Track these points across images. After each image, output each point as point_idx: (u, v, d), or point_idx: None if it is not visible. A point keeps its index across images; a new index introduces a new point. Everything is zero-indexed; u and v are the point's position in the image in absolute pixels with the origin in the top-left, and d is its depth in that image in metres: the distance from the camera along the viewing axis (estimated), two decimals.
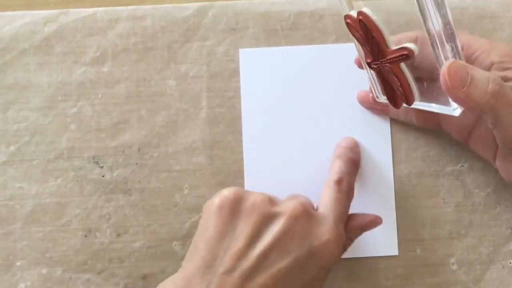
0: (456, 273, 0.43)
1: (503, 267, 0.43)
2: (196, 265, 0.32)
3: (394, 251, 0.42)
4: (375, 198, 0.42)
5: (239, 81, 0.44)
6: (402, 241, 0.43)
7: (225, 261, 0.32)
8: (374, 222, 0.40)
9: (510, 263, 0.43)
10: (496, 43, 0.37)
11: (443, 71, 0.32)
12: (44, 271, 0.42)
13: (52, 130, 0.43)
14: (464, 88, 0.32)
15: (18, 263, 0.42)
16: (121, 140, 0.43)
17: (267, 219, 0.33)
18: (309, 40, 0.44)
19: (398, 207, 0.43)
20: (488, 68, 0.35)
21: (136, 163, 0.43)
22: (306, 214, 0.34)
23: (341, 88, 0.43)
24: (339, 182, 0.38)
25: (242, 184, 0.43)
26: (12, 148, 0.43)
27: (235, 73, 0.44)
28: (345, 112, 0.43)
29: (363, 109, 0.42)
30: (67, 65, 0.44)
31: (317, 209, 0.37)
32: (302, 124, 0.43)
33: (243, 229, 0.32)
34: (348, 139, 0.41)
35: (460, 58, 0.32)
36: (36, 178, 0.43)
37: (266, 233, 0.32)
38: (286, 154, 0.42)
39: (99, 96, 0.44)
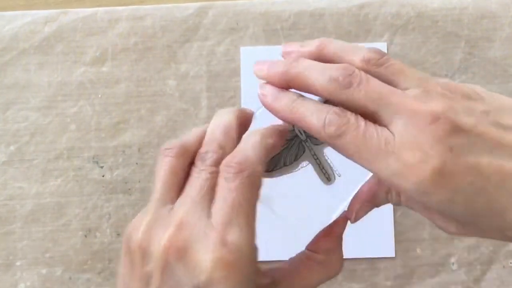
0: (456, 273, 0.43)
1: (503, 267, 0.43)
2: None
3: (391, 253, 0.42)
4: None
5: (239, 81, 0.44)
6: (402, 241, 0.43)
7: None
8: (340, 224, 0.32)
9: (510, 263, 0.43)
10: None
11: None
12: (44, 271, 0.42)
13: (52, 130, 0.43)
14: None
15: (18, 263, 0.42)
16: (121, 140, 0.43)
17: (144, 280, 0.29)
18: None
19: (398, 207, 0.43)
20: None
21: (136, 163, 0.43)
22: (176, 252, 0.27)
23: None
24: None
25: None
26: (12, 148, 0.43)
27: (235, 73, 0.44)
28: None
29: None
30: (67, 65, 0.44)
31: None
32: None
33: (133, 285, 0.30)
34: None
35: None
36: (36, 178, 0.43)
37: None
38: None
39: (99, 96, 0.44)
